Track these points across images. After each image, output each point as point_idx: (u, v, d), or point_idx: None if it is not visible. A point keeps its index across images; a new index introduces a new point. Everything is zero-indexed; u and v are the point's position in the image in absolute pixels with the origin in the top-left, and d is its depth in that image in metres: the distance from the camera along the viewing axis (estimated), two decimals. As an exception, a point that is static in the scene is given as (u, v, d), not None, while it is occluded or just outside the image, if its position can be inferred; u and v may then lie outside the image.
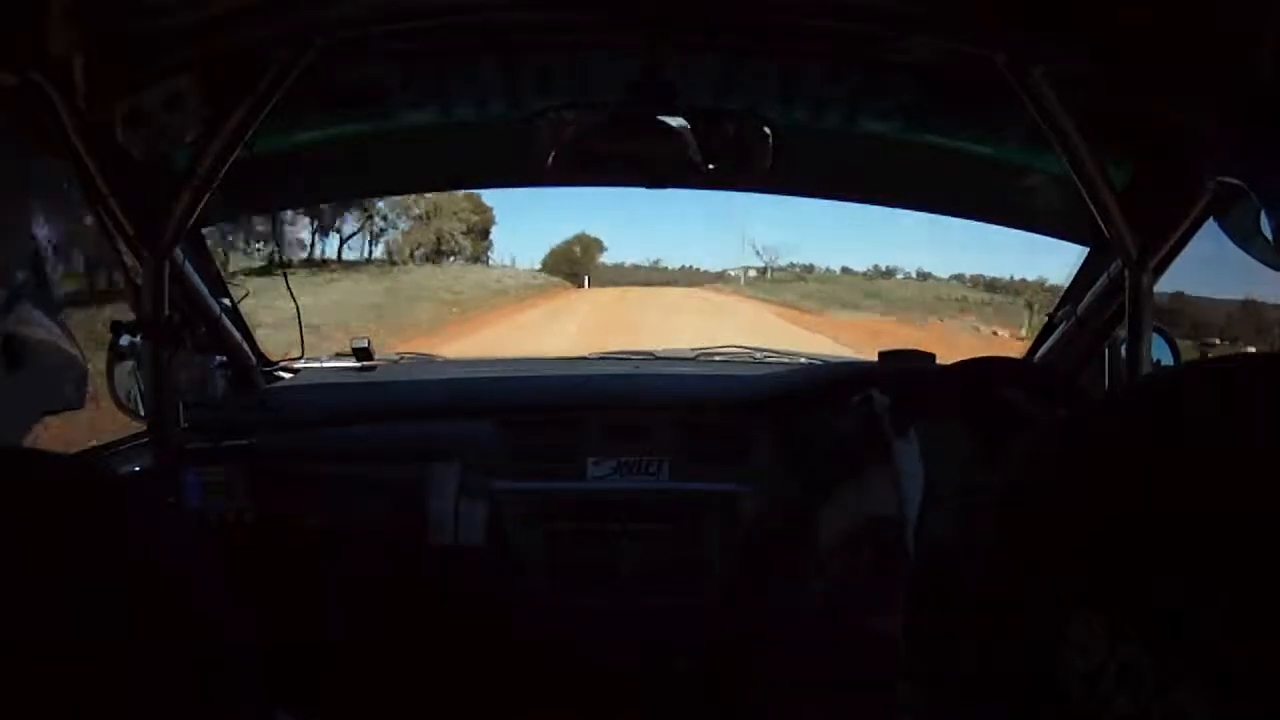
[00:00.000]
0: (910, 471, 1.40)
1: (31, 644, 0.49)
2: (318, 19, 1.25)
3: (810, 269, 38.98)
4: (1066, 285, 1.90)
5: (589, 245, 40.99)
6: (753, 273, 39.68)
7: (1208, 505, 0.44)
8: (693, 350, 2.25)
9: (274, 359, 1.99)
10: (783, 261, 39.13)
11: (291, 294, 1.83)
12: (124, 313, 1.61)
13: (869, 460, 1.46)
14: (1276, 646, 0.39)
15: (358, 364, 2.06)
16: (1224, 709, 0.40)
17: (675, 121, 1.42)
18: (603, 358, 2.21)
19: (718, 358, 2.20)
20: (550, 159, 1.44)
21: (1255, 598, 0.40)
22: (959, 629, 0.57)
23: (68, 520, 0.56)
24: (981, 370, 1.56)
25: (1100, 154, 1.44)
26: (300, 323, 1.90)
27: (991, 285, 31.06)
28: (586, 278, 37.48)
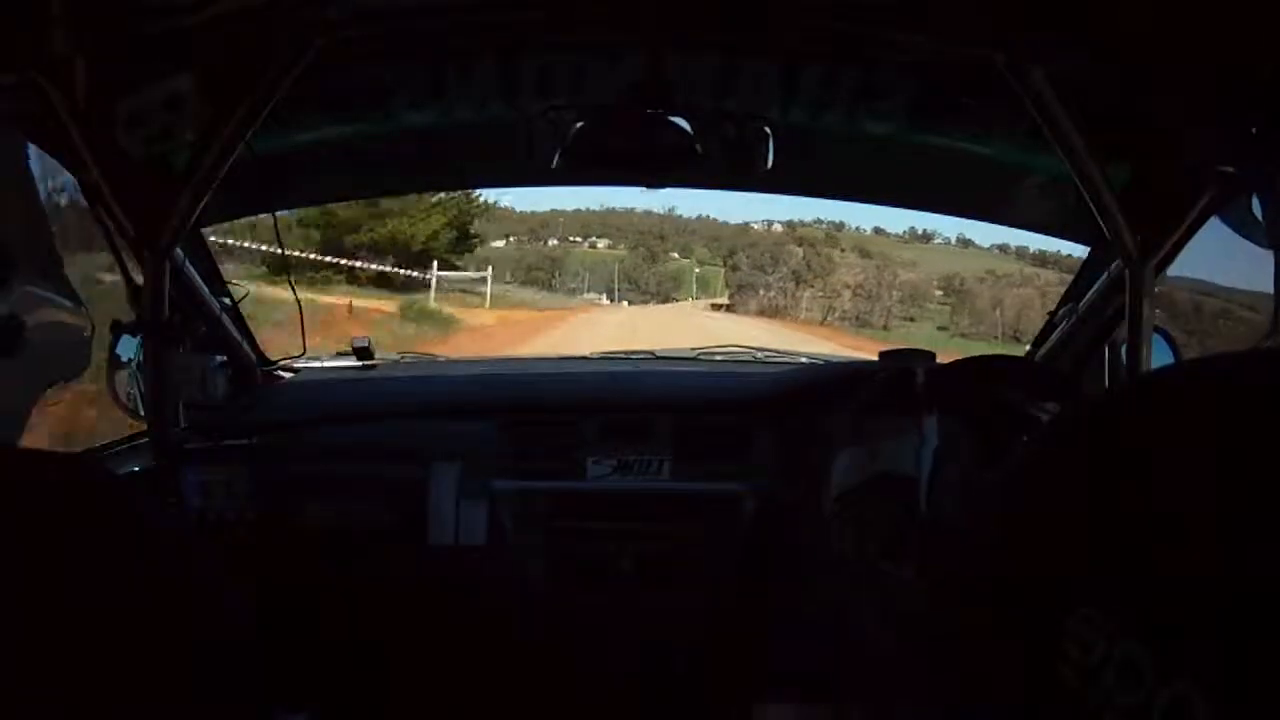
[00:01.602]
0: (930, 442, 1.39)
1: (32, 642, 0.49)
2: (318, 19, 1.25)
3: (840, 226, 34.22)
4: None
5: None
6: (778, 227, 35.77)
7: (1205, 503, 0.44)
8: (693, 350, 2.25)
9: (274, 358, 1.99)
10: (809, 218, 33.92)
11: (294, 293, 1.84)
12: (124, 312, 1.61)
13: (894, 425, 1.44)
14: (1277, 641, 0.39)
15: (358, 363, 2.06)
16: (1226, 705, 0.40)
17: (675, 121, 1.42)
18: (603, 357, 2.22)
19: (718, 357, 2.20)
20: (550, 159, 1.44)
21: (1254, 592, 0.40)
22: (959, 627, 0.57)
23: (67, 520, 0.56)
24: (982, 369, 1.56)
25: (1100, 153, 1.44)
26: (302, 321, 1.90)
27: (1042, 259, 28.08)
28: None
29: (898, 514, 1.41)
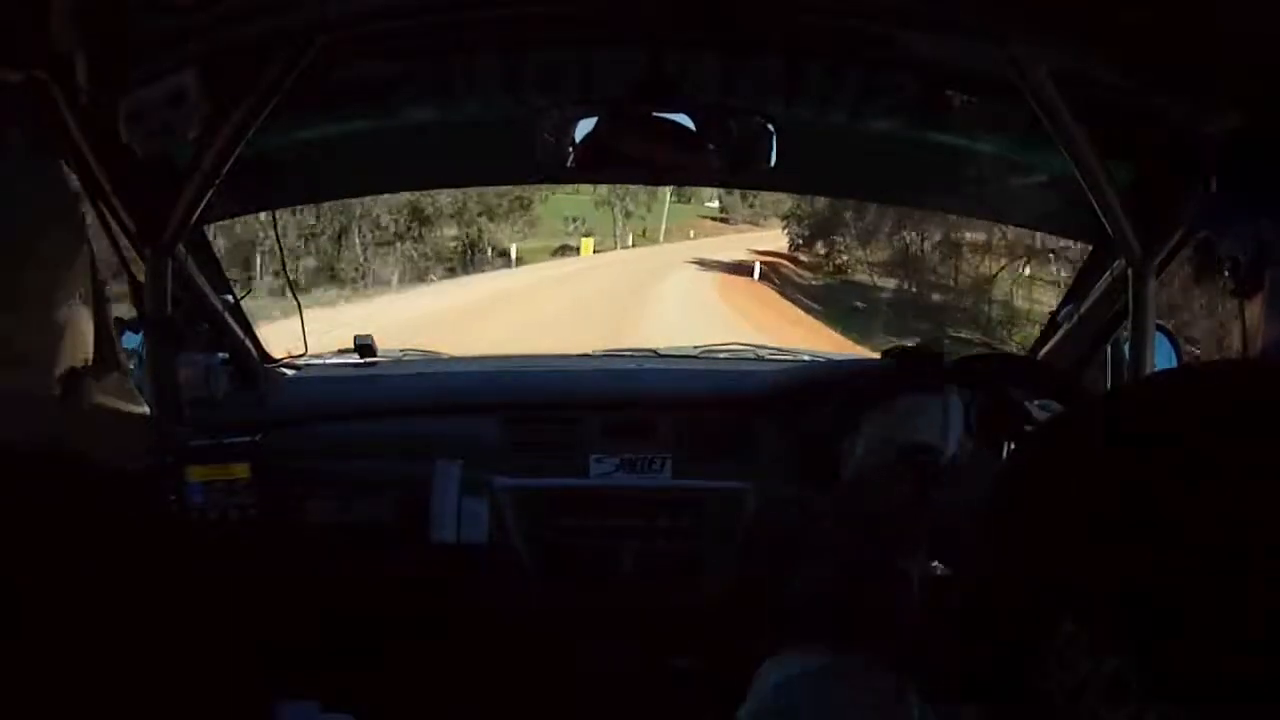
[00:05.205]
0: (955, 416, 1.37)
1: (36, 638, 0.50)
2: (320, 16, 1.25)
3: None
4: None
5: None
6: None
7: (1205, 503, 0.43)
8: (696, 347, 2.25)
9: (276, 356, 2.00)
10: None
11: (294, 292, 1.84)
12: (126, 310, 1.62)
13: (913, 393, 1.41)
14: (1262, 656, 0.39)
15: (361, 361, 2.06)
16: None
17: (678, 119, 1.42)
18: (605, 355, 2.22)
19: (721, 355, 2.20)
20: (552, 157, 1.44)
21: (1240, 608, 0.40)
22: (955, 636, 0.57)
23: (70, 517, 0.56)
24: (984, 368, 1.56)
25: (1104, 152, 1.44)
26: (302, 320, 1.90)
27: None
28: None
29: (899, 511, 1.40)
